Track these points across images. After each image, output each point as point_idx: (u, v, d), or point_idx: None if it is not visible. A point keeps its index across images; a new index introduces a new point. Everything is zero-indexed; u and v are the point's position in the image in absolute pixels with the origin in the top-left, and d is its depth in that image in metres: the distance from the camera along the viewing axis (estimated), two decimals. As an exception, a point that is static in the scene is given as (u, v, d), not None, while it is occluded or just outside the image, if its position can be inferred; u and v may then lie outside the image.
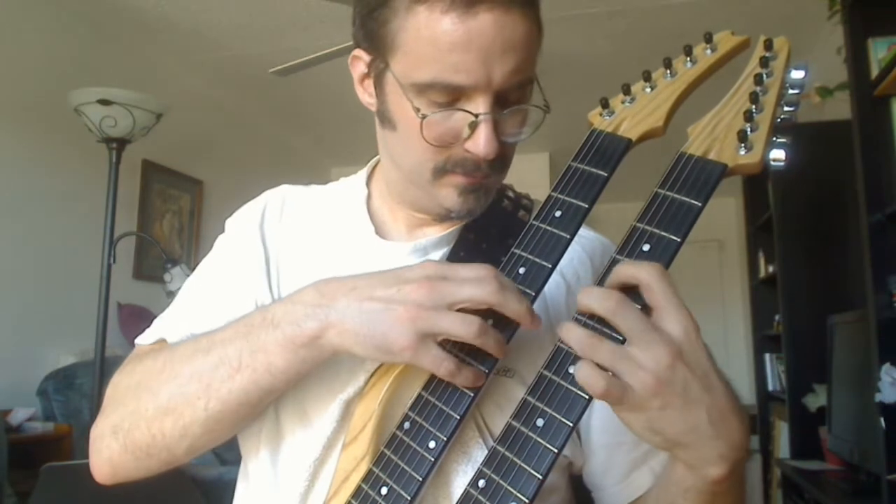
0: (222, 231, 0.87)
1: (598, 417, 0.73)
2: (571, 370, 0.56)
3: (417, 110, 0.67)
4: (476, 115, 0.66)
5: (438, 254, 0.78)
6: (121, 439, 0.70)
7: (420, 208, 0.79)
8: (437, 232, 0.79)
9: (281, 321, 0.64)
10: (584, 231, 0.78)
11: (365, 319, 0.61)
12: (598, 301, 0.55)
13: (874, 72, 1.96)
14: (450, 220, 0.78)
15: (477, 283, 0.60)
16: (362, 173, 0.86)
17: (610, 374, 0.53)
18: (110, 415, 0.73)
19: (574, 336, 0.55)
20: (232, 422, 0.69)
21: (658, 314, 0.54)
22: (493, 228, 0.77)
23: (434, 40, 0.64)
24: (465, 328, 0.59)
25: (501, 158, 0.71)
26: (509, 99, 0.68)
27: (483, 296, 0.59)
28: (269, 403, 0.71)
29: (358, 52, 0.74)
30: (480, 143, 0.67)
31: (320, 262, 0.79)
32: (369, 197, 0.84)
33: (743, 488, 0.60)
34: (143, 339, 0.81)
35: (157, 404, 0.69)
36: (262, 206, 0.86)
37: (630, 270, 0.55)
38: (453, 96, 0.66)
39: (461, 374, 0.61)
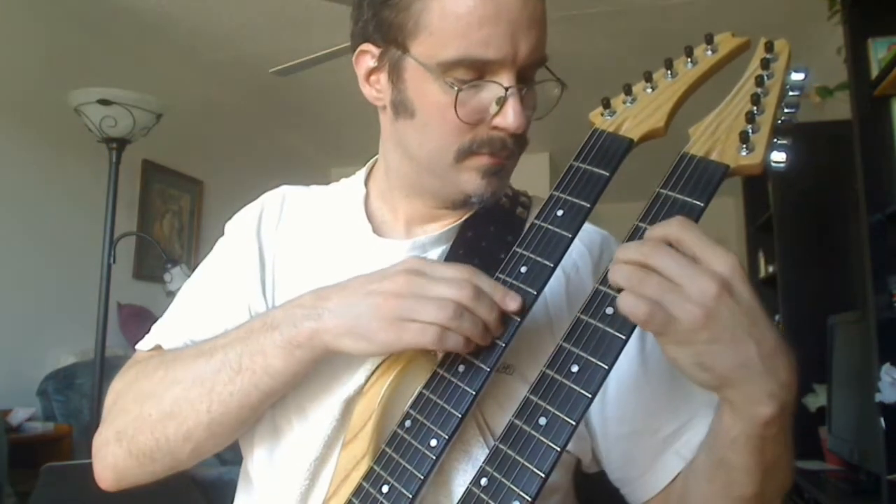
0: (222, 231, 0.87)
1: (614, 408, 0.73)
2: (574, 369, 0.57)
3: (452, 85, 0.68)
4: (506, 89, 0.68)
5: (437, 251, 0.78)
6: (125, 445, 0.71)
7: (436, 198, 0.78)
8: (435, 230, 0.79)
9: (280, 324, 0.66)
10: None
11: (351, 314, 0.63)
12: (635, 250, 0.55)
13: (874, 72, 1.96)
14: (467, 208, 0.78)
15: (453, 283, 0.61)
16: (360, 173, 0.86)
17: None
18: (113, 421, 0.73)
19: (622, 272, 0.54)
20: (234, 425, 0.70)
21: (700, 260, 0.53)
22: (491, 225, 0.78)
23: (462, 16, 0.66)
24: (439, 312, 0.60)
25: (523, 137, 0.73)
26: (528, 76, 0.71)
27: (455, 297, 0.60)
28: (269, 405, 0.71)
29: (365, 46, 0.75)
30: (510, 116, 0.68)
31: (319, 262, 0.80)
32: (367, 196, 0.84)
33: (790, 439, 0.59)
34: (143, 346, 0.82)
35: (160, 409, 0.69)
36: (259, 209, 0.86)
37: (658, 231, 0.55)
38: (479, 73, 0.68)
39: (450, 339, 0.61)
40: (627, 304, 0.53)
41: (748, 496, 0.60)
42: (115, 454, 0.72)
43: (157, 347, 0.80)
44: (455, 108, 0.68)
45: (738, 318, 0.52)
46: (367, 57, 0.75)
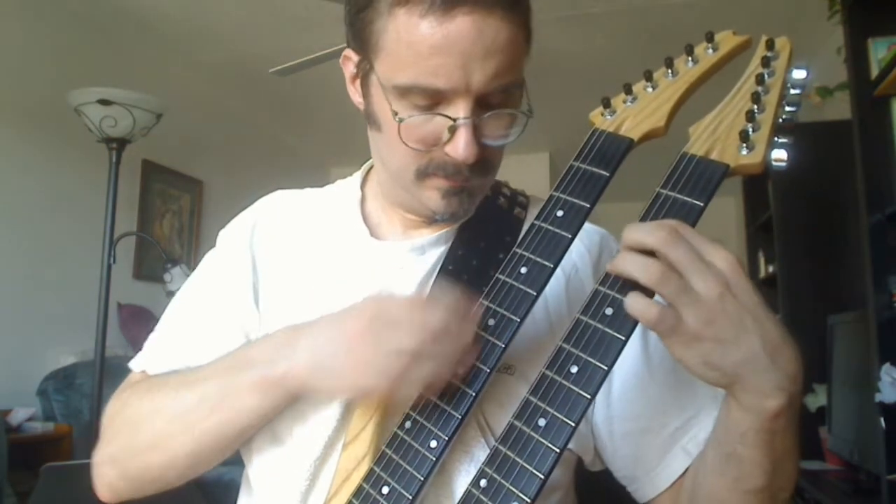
0: (222, 231, 0.86)
1: (620, 406, 0.73)
2: (573, 370, 0.57)
3: (395, 114, 0.67)
4: (454, 120, 0.66)
5: (436, 253, 0.78)
6: (118, 469, 0.74)
7: (409, 209, 0.79)
8: (433, 231, 0.79)
9: (257, 361, 0.67)
10: None
11: (318, 356, 0.63)
12: (650, 233, 0.54)
13: (874, 72, 1.96)
14: (437, 223, 0.78)
15: (409, 328, 0.60)
16: (357, 175, 0.86)
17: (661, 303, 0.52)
18: (107, 445, 0.75)
19: (636, 263, 0.53)
20: (215, 455, 0.71)
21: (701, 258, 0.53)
22: (489, 226, 0.77)
23: (413, 44, 0.64)
24: (394, 362, 0.60)
25: (484, 162, 0.70)
26: (492, 102, 0.68)
27: (411, 348, 0.60)
28: (247, 438, 0.73)
29: (348, 51, 0.74)
30: (459, 148, 0.67)
31: (316, 268, 0.79)
32: (364, 199, 0.83)
33: (797, 431, 0.59)
34: (134, 366, 0.82)
35: (144, 439, 0.72)
36: (252, 218, 0.85)
37: (638, 236, 0.55)
38: (434, 100, 0.66)
39: (405, 388, 0.61)
40: (637, 307, 0.53)
41: (758, 489, 0.60)
42: (109, 475, 0.75)
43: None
44: (399, 136, 0.68)
45: (742, 314, 0.52)
46: (350, 62, 0.75)
